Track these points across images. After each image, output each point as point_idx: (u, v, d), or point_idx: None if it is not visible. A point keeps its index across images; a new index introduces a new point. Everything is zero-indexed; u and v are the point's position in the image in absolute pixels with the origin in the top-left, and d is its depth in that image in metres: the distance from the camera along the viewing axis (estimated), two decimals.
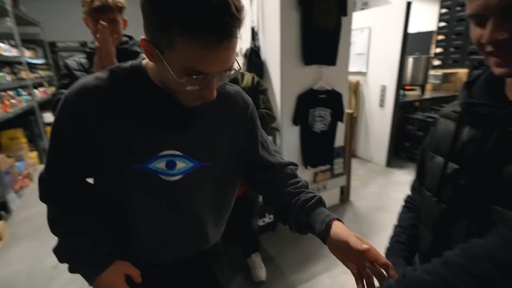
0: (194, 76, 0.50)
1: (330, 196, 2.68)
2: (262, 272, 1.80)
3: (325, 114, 2.27)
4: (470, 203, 0.56)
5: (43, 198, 0.66)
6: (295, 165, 0.78)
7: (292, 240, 2.21)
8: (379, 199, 2.87)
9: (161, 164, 0.61)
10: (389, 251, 0.77)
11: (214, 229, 0.76)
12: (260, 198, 1.72)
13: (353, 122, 2.75)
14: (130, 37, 1.39)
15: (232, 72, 0.55)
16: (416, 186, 0.82)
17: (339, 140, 2.48)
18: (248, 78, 1.64)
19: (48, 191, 0.66)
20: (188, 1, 0.44)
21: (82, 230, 0.65)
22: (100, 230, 0.67)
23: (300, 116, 2.20)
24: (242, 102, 0.72)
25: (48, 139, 0.67)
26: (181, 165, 0.63)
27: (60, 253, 0.64)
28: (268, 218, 2.24)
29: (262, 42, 2.22)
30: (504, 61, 0.47)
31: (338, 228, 0.59)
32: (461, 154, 0.59)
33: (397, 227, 0.81)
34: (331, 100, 2.25)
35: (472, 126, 0.58)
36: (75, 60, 1.34)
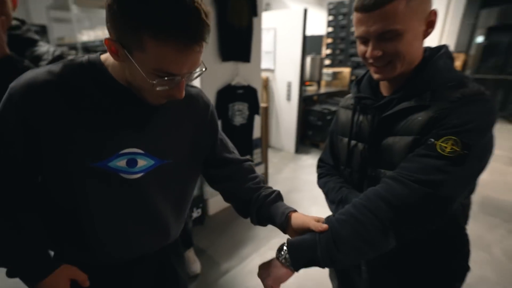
0: (165, 78, 0.52)
1: None
2: (196, 266, 1.83)
3: (243, 108, 2.42)
4: (366, 169, 0.77)
5: None
6: (251, 161, 0.86)
7: (220, 230, 2.31)
8: (291, 182, 3.24)
9: (121, 162, 0.60)
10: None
11: (175, 225, 0.77)
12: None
13: (267, 115, 3.01)
14: (23, 21, 1.17)
15: (198, 72, 0.58)
16: (325, 158, 1.00)
17: (256, 132, 2.69)
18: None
19: None
20: (161, 5, 0.46)
21: (23, 232, 0.58)
22: (44, 232, 0.61)
23: (221, 110, 2.28)
24: (202, 102, 0.76)
25: None
26: (142, 162, 0.63)
27: None
28: (196, 213, 2.26)
29: None
30: (380, 70, 0.70)
31: (296, 219, 0.69)
32: (358, 134, 0.79)
33: (331, 188, 0.90)
34: (248, 95, 2.41)
35: (363, 113, 0.79)
36: None
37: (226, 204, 2.59)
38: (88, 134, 0.57)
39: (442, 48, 0.72)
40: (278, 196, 0.78)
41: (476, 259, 1.84)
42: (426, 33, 0.68)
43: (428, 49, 0.73)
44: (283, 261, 0.64)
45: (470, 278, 0.82)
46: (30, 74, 0.55)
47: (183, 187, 0.76)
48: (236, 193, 0.79)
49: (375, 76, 0.72)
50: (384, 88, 0.78)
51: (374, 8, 0.61)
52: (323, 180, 0.96)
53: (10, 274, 0.58)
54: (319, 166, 1.02)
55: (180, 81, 0.56)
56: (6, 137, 0.54)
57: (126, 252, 0.69)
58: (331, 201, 0.88)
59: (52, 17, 4.45)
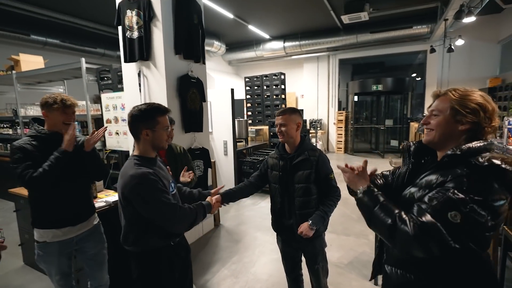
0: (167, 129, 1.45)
1: (209, 223, 3.63)
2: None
3: (200, 164, 3.31)
4: (287, 186, 1.78)
5: None
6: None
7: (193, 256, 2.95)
8: (238, 218, 4.10)
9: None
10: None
11: None
12: None
13: (215, 168, 3.93)
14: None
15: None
16: (256, 176, 1.96)
17: (209, 181, 3.55)
18: (179, 147, 2.46)
19: None
20: (155, 110, 1.40)
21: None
22: None
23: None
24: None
25: None
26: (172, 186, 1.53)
27: None
28: None
29: None
30: (283, 139, 1.78)
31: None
32: (281, 169, 1.83)
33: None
34: (203, 154, 3.33)
35: (282, 160, 1.83)
36: (28, 143, 1.63)
37: (195, 238, 3.29)
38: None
39: (306, 135, 1.86)
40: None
41: None
42: (298, 128, 1.80)
43: (303, 134, 1.86)
44: None
45: None
46: (139, 171, 1.35)
47: None
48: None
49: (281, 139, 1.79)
50: (288, 148, 1.85)
51: (282, 114, 1.71)
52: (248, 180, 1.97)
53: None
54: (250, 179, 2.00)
55: (171, 129, 1.53)
56: None
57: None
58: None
59: None
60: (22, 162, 1.58)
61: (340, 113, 9.36)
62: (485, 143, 0.89)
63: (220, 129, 4.95)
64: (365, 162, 1.13)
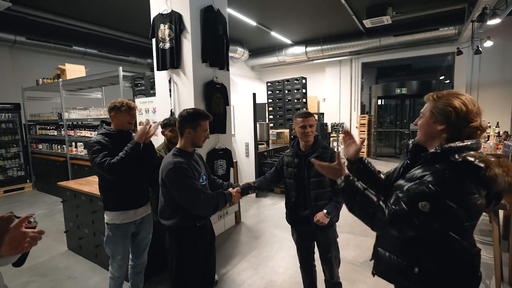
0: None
1: (230, 219, 3.85)
2: (216, 275, 2.63)
3: (223, 163, 3.55)
4: (302, 181, 1.94)
5: None
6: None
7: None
8: (258, 216, 4.29)
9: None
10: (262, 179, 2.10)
11: None
12: None
13: (237, 168, 4.16)
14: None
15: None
16: (272, 172, 2.15)
17: (231, 179, 3.78)
18: None
19: None
20: (200, 115, 1.66)
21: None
22: None
23: (209, 166, 3.37)
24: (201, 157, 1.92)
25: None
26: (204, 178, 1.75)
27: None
28: None
29: None
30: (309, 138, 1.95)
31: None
32: (296, 166, 2.00)
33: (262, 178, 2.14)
34: (225, 154, 3.57)
35: (297, 158, 2.00)
36: (102, 139, 2.00)
37: (217, 233, 3.52)
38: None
39: (319, 135, 2.00)
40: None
41: None
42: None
43: (316, 135, 2.01)
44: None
45: None
46: (174, 160, 1.66)
47: None
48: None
49: (305, 139, 1.93)
50: (302, 146, 2.00)
51: (310, 116, 1.90)
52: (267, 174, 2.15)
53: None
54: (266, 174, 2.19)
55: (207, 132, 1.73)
56: None
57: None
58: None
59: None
60: (101, 152, 1.90)
61: (362, 117, 9.28)
62: (468, 143, 0.97)
63: (242, 131, 5.19)
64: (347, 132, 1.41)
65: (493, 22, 4.38)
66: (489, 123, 5.00)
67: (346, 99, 9.78)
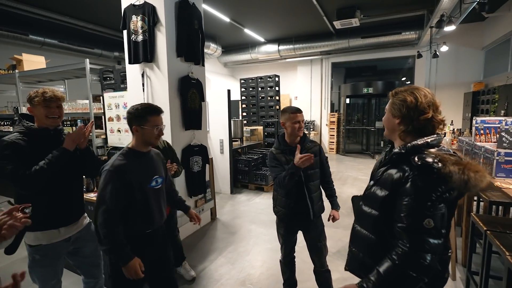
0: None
1: (206, 216, 3.83)
2: (192, 272, 2.62)
3: (199, 159, 3.51)
4: (301, 177, 1.93)
5: None
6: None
7: (191, 248, 3.15)
8: (233, 212, 4.31)
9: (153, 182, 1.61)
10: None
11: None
12: (178, 213, 2.65)
13: (212, 164, 4.13)
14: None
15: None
16: (277, 174, 1.89)
17: (206, 176, 3.76)
18: (163, 141, 2.56)
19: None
20: (146, 110, 1.55)
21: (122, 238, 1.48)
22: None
23: (184, 162, 3.32)
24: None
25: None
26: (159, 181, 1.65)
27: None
28: None
29: None
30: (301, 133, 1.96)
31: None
32: (288, 163, 1.97)
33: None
34: (201, 150, 3.54)
35: (290, 154, 1.94)
36: (20, 139, 1.56)
37: (193, 230, 3.48)
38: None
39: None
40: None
41: None
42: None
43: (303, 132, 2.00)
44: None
45: None
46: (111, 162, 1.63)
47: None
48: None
49: (300, 133, 1.93)
50: (288, 140, 1.98)
51: (301, 112, 1.91)
52: (276, 179, 1.89)
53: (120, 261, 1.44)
54: (274, 179, 1.95)
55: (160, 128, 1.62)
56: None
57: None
58: (283, 177, 1.83)
59: None
60: (12, 159, 1.50)
61: (332, 115, 9.65)
62: (429, 140, 1.01)
63: (217, 128, 5.16)
64: None
65: (449, 28, 4.79)
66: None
67: (317, 97, 10.10)
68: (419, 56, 7.24)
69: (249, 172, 5.48)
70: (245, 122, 8.15)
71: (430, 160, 0.95)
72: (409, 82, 9.33)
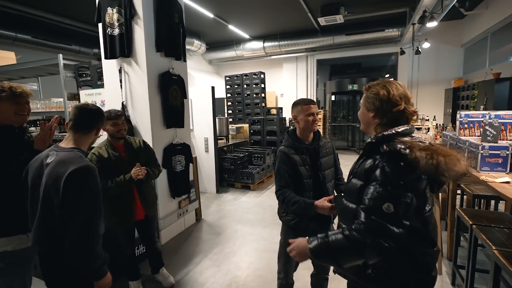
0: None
1: (190, 217, 3.70)
2: (171, 279, 2.48)
3: (181, 159, 3.38)
4: (319, 175, 1.74)
5: None
6: None
7: (175, 251, 3.03)
8: (219, 212, 4.20)
9: None
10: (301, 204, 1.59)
11: None
12: (160, 215, 2.51)
13: (197, 163, 4.01)
14: None
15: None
16: (287, 185, 1.65)
17: (190, 176, 3.63)
18: (139, 141, 2.39)
19: None
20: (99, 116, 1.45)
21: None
22: None
23: (166, 162, 3.18)
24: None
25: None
26: None
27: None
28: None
29: (131, 113, 3.06)
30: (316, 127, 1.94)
31: None
32: (312, 160, 1.74)
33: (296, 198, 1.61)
34: (184, 149, 3.41)
35: (308, 152, 1.76)
36: None
37: (177, 232, 3.36)
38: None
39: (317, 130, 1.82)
40: None
41: None
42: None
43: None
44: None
45: None
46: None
47: None
48: None
49: (314, 128, 1.70)
50: (301, 137, 1.72)
51: (314, 103, 1.71)
52: (285, 194, 1.63)
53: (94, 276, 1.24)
54: (279, 190, 1.69)
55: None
56: None
57: None
58: (293, 202, 1.60)
59: None
60: None
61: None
62: (399, 129, 1.01)
63: (201, 126, 5.03)
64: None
65: (431, 24, 4.85)
66: (427, 116, 5.58)
67: (302, 94, 10.09)
68: (402, 52, 7.34)
69: (235, 170, 5.38)
70: (230, 120, 8.03)
71: (397, 146, 0.95)
72: (392, 79, 9.46)
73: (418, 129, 4.25)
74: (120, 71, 3.01)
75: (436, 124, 4.37)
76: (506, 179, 1.81)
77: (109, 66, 3.09)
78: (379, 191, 0.94)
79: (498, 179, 1.78)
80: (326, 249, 1.01)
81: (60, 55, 3.48)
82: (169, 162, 3.21)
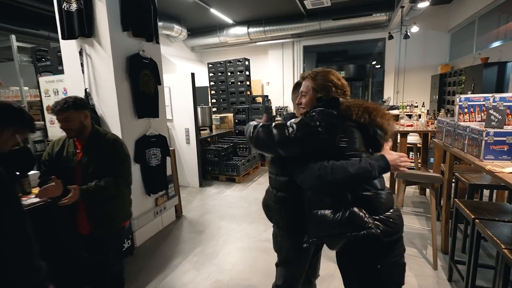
0: None
1: (169, 215, 3.42)
2: None
3: (157, 152, 3.07)
4: None
5: None
6: None
7: (151, 253, 2.76)
8: (202, 208, 3.94)
9: None
10: None
11: None
12: (134, 215, 2.20)
13: (175, 156, 3.70)
14: None
15: None
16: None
17: (168, 170, 3.33)
18: (112, 141, 1.83)
19: None
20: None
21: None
22: None
23: (139, 156, 2.87)
24: None
25: None
26: None
27: None
28: (126, 244, 2.65)
29: (96, 101, 2.71)
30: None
31: None
32: None
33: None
34: (160, 141, 3.09)
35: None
36: None
37: (153, 232, 3.07)
38: None
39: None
40: None
41: None
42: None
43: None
44: None
45: None
46: None
47: None
48: None
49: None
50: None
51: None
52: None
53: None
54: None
55: None
56: None
57: None
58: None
59: None
60: None
61: None
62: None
63: (181, 116, 4.69)
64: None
65: (423, 4, 4.65)
66: (416, 103, 5.44)
67: (289, 82, 9.80)
68: (390, 37, 7.15)
69: (219, 162, 5.10)
70: (214, 109, 7.68)
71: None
72: (379, 66, 9.32)
73: (409, 116, 4.07)
74: (80, 53, 2.63)
75: (427, 111, 4.21)
76: None
77: (68, 48, 2.71)
78: (300, 121, 1.19)
79: (505, 168, 1.59)
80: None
81: (13, 36, 3.05)
82: (143, 155, 2.89)
